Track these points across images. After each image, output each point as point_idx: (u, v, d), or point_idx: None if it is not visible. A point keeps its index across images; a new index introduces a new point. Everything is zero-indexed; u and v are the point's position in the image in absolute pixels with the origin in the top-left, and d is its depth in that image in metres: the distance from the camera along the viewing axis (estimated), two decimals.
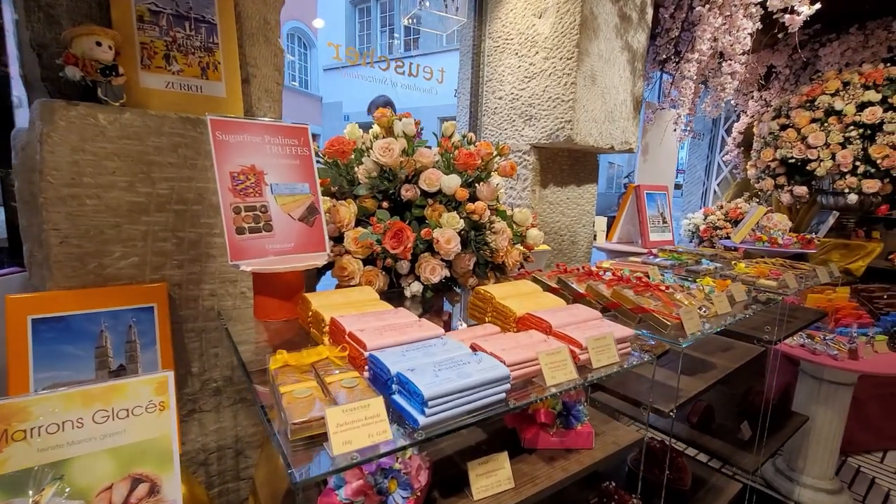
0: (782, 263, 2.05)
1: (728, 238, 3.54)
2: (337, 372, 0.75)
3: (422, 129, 1.60)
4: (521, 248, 1.63)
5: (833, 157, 2.94)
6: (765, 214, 3.08)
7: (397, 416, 0.69)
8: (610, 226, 3.16)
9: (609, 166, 16.36)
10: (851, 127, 2.86)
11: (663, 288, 1.25)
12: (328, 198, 1.45)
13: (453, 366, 0.73)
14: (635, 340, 1.47)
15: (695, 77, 2.45)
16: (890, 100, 2.77)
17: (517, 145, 2.34)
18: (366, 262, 1.34)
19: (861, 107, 2.86)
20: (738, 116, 4.08)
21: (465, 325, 1.27)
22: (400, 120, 1.47)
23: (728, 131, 4.41)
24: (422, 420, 0.65)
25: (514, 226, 1.56)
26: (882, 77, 2.84)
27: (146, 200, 1.09)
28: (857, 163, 2.87)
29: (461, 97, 2.64)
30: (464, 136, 1.65)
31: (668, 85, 2.82)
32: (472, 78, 2.54)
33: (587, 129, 2.20)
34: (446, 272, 1.37)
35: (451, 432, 0.67)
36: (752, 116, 3.83)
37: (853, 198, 2.96)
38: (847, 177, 2.93)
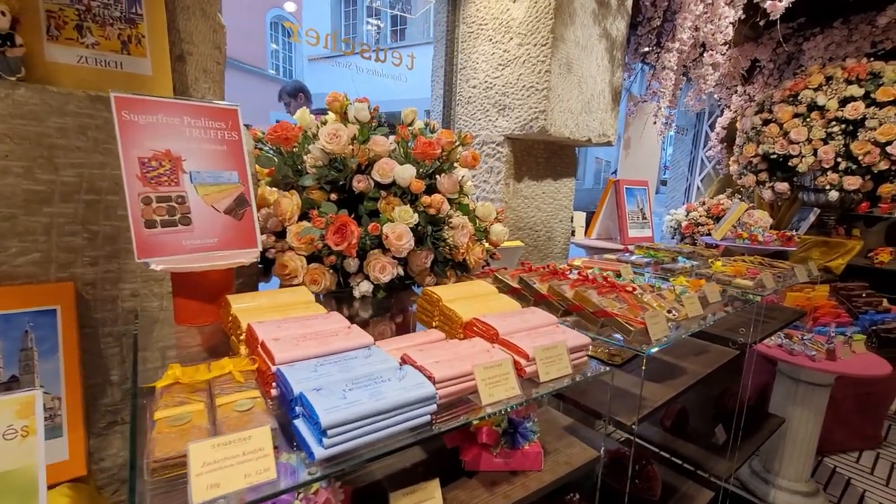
0: (761, 262, 1.99)
1: (709, 235, 3.49)
2: (236, 391, 0.64)
3: (381, 115, 1.49)
4: (487, 244, 1.53)
5: (815, 153, 2.89)
6: (746, 211, 3.03)
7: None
8: (589, 221, 3.08)
9: (596, 161, 16.32)
10: (833, 122, 2.81)
11: (630, 289, 1.16)
12: (275, 189, 1.33)
13: (369, 384, 0.62)
14: (600, 347, 1.39)
15: (675, 68, 2.37)
16: (872, 95, 2.72)
17: (490, 136, 2.24)
18: (312, 259, 1.23)
19: (843, 102, 2.81)
20: (722, 111, 4.02)
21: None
22: (353, 104, 1.35)
23: (712, 126, 4.35)
24: (319, 452, 0.54)
25: (477, 221, 1.45)
26: (865, 72, 2.79)
27: (48, 189, 0.96)
28: (839, 159, 2.82)
29: (434, 86, 2.52)
30: (426, 124, 1.54)
31: (650, 76, 2.73)
32: (446, 66, 2.43)
33: (562, 119, 2.10)
34: (399, 270, 1.27)
35: (362, 464, 0.57)
36: (736, 111, 3.78)
37: (834, 195, 2.92)
38: (828, 173, 2.89)
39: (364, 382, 0.63)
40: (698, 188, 4.76)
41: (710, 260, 1.89)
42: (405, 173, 1.26)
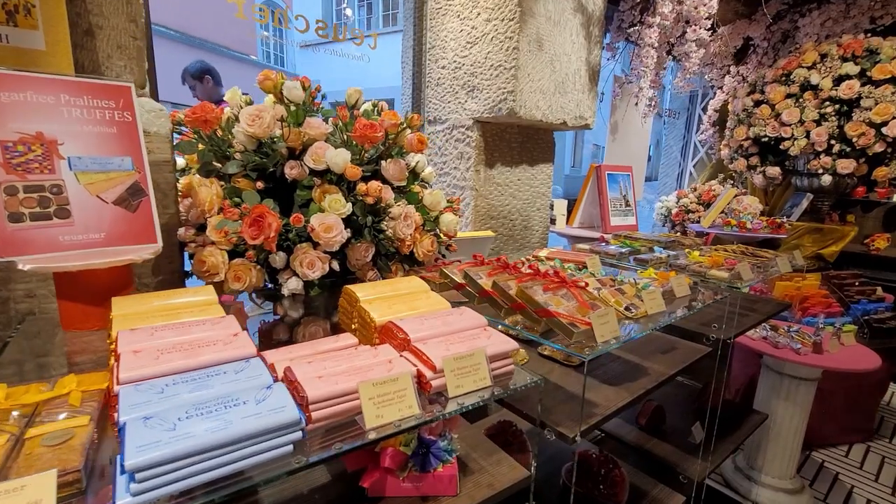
0: (743, 251, 1.87)
1: (699, 222, 3.37)
2: (62, 418, 0.54)
3: (324, 95, 1.37)
4: (442, 234, 1.42)
5: (807, 136, 2.75)
6: (735, 197, 2.90)
7: None
8: (572, 209, 2.95)
9: (593, 147, 16.08)
10: (827, 103, 2.67)
11: (583, 284, 1.05)
12: (202, 178, 1.22)
13: (216, 409, 0.52)
14: (551, 351, 1.28)
15: (657, 45, 2.23)
16: (868, 73, 2.57)
17: (460, 120, 2.11)
18: (236, 254, 1.12)
19: (838, 81, 2.66)
20: (715, 93, 3.87)
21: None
22: (286, 83, 1.23)
23: (705, 109, 4.20)
24: (123, 502, 0.44)
25: (426, 210, 1.34)
26: (861, 48, 2.64)
27: None
28: (832, 141, 2.69)
29: (404, 68, 2.39)
30: (374, 106, 1.42)
31: (633, 55, 2.59)
32: (415, 45, 2.29)
33: (533, 100, 1.97)
34: (334, 265, 1.15)
35: None
36: (728, 93, 3.62)
37: (827, 179, 2.79)
38: (821, 156, 2.75)
39: (211, 407, 0.52)
40: (691, 174, 4.62)
41: (688, 250, 1.77)
42: (337, 158, 1.14)
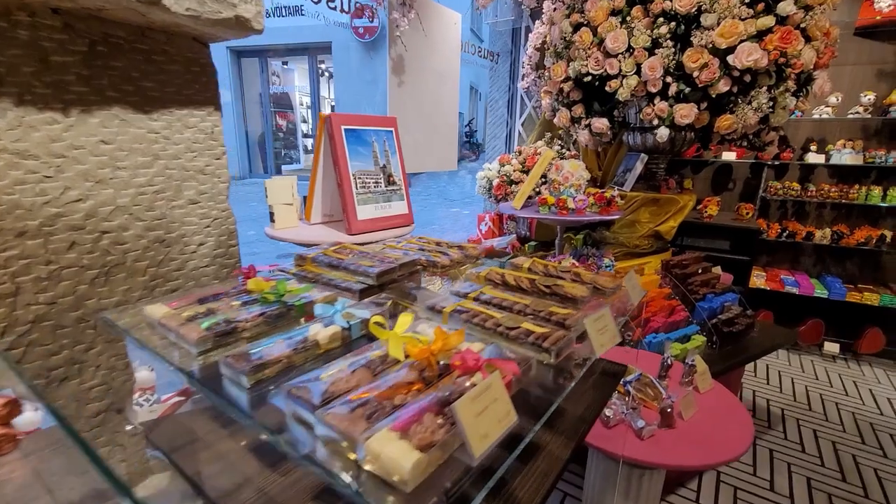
0: (544, 284, 0.89)
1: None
2: None
3: None
4: None
5: (638, 71, 1.95)
6: (554, 163, 2.02)
7: None
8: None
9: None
10: (661, 20, 1.87)
11: None
12: None
13: None
14: None
15: None
16: None
17: None
18: None
19: None
20: (535, 25, 3.00)
21: None
22: None
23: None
24: None
25: None
26: None
27: None
28: (668, 79, 1.93)
29: None
30: None
31: None
32: None
33: None
34: None
35: None
36: (547, 23, 2.76)
37: (664, 132, 2.05)
38: (656, 101, 1.99)
39: None
40: (520, 135, 3.82)
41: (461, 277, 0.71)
42: None
